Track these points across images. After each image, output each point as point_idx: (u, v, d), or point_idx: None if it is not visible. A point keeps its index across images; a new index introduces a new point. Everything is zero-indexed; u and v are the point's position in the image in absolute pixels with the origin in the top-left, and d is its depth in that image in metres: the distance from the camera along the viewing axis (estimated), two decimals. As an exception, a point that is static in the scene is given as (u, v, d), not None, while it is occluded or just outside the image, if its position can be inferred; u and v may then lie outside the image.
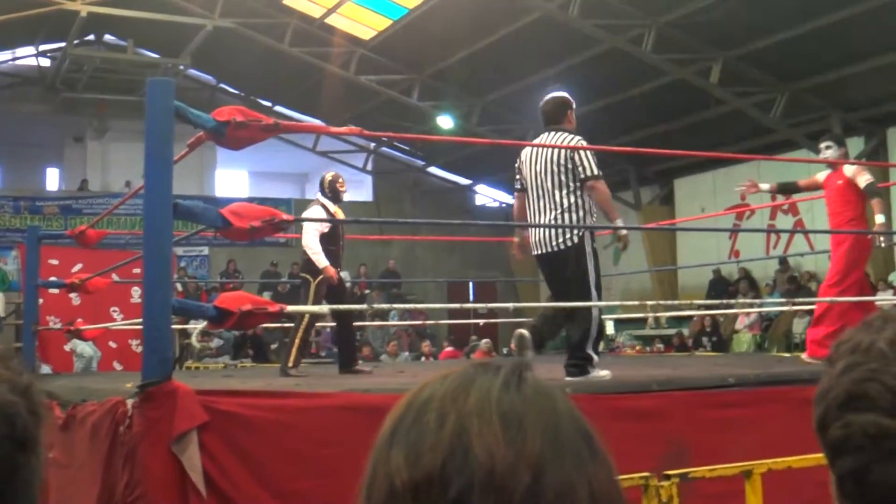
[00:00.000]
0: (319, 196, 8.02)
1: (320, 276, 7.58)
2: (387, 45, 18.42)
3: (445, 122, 19.48)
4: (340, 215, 8.08)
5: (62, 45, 19.54)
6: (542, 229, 5.97)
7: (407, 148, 24.05)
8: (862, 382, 0.93)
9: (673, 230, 20.04)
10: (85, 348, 11.83)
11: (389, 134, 18.30)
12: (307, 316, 7.63)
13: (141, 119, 4.62)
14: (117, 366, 11.91)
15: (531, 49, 16.40)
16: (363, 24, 18.31)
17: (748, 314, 16.83)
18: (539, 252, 6.07)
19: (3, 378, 0.67)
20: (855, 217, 7.33)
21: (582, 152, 5.90)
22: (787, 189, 8.45)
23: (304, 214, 8.10)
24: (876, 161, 15.68)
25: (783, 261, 17.44)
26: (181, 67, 19.50)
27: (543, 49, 16.19)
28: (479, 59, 17.52)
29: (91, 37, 20.84)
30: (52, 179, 25.03)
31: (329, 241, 7.68)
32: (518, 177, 6.25)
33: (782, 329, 16.43)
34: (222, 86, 22.52)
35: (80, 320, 9.90)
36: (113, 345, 12.19)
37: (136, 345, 11.32)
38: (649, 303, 13.25)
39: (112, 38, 21.05)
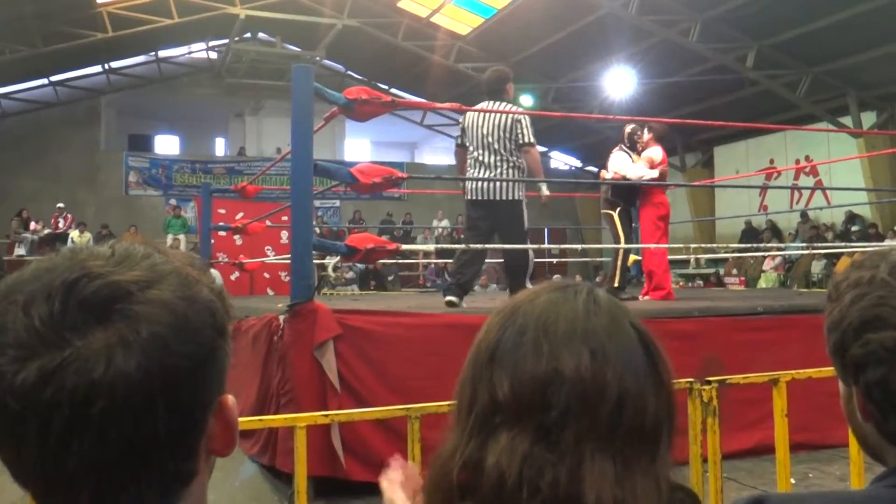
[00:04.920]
0: (622, 146, 7.26)
1: (619, 208, 7.01)
2: (480, 38, 18.19)
3: (526, 100, 19.17)
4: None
5: (226, 41, 19.83)
6: (487, 182, 5.60)
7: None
8: (873, 308, 0.90)
9: (711, 187, 19.57)
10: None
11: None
12: (622, 249, 6.98)
13: (288, 99, 4.66)
14: (270, 291, 12.20)
15: (597, 40, 16.01)
16: (461, 21, 18.13)
17: (774, 257, 16.38)
18: (482, 198, 5.67)
19: (204, 282, 0.69)
20: (652, 190, 6.95)
21: (524, 120, 5.62)
22: None
23: (611, 159, 7.20)
24: (886, 131, 15.01)
25: (804, 214, 16.90)
26: (317, 58, 19.59)
27: (607, 40, 15.79)
28: (555, 49, 17.19)
29: (248, 35, 21.07)
30: (220, 147, 25.55)
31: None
32: (461, 134, 5.84)
33: (802, 269, 15.94)
34: (349, 73, 22.57)
35: (241, 256, 10.18)
36: (267, 275, 12.48)
37: (284, 276, 11.56)
38: (692, 246, 13.04)
39: (264, 35, 21.26)
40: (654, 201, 7.00)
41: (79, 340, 0.61)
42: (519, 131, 5.60)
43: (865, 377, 0.90)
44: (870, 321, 0.90)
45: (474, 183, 5.69)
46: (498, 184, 5.60)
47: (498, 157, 5.62)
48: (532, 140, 5.67)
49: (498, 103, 5.71)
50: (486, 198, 5.66)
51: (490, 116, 5.65)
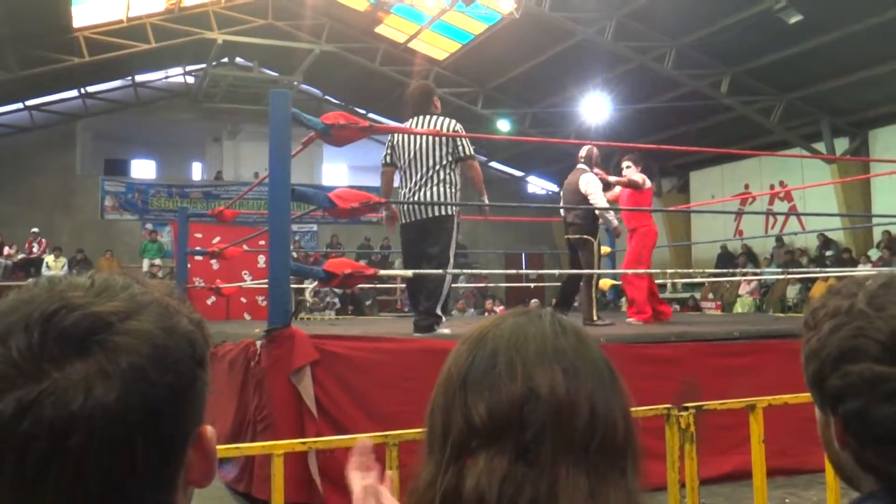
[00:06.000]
0: (584, 165, 7.03)
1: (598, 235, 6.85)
2: (457, 64, 18.34)
3: (504, 125, 19.32)
4: None
5: (203, 66, 19.80)
6: (416, 202, 5.38)
7: (473, 146, 23.93)
8: (852, 339, 0.90)
9: (687, 212, 19.70)
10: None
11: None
12: (595, 275, 6.81)
13: (265, 124, 4.66)
14: (247, 316, 12.08)
15: (573, 66, 16.18)
16: (438, 47, 18.26)
17: (749, 282, 16.53)
18: (413, 220, 5.48)
19: (183, 313, 0.69)
20: (641, 217, 7.19)
21: (462, 133, 5.51)
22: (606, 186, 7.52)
23: (583, 180, 6.84)
24: (859, 157, 15.24)
25: (779, 238, 17.07)
26: (295, 83, 19.60)
27: (583, 66, 15.96)
28: (531, 75, 17.35)
29: (225, 59, 21.05)
30: (197, 171, 25.38)
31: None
32: (389, 153, 5.69)
33: (778, 294, 16.07)
34: (327, 97, 22.60)
35: (218, 281, 10.11)
36: (244, 300, 12.35)
37: (261, 300, 11.47)
38: (669, 271, 13.12)
39: (242, 60, 21.26)
40: (650, 224, 7.35)
41: (57, 372, 0.61)
42: (459, 144, 5.48)
43: (844, 408, 0.90)
44: (848, 352, 0.89)
45: (404, 205, 5.53)
46: (426, 200, 5.41)
47: (424, 174, 5.44)
48: (472, 153, 5.54)
49: (428, 117, 5.62)
50: (415, 218, 5.50)
51: (423, 131, 5.51)
